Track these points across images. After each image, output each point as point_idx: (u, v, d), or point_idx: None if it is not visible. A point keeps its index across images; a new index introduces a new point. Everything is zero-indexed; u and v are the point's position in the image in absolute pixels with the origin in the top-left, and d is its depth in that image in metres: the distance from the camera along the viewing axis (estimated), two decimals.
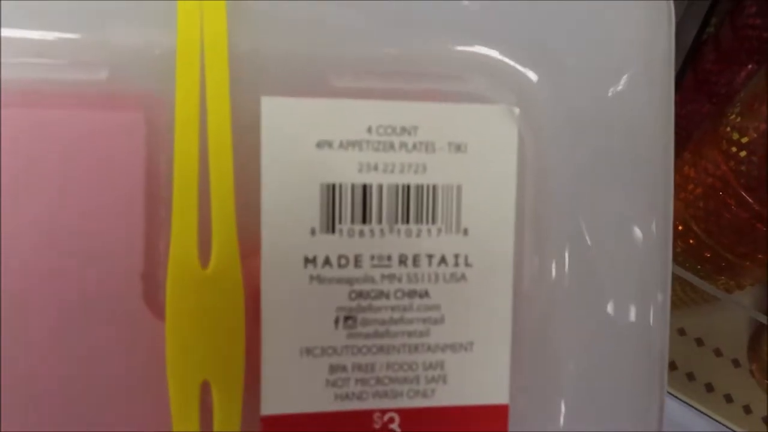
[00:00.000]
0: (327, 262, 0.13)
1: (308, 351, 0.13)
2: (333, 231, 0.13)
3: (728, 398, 0.54)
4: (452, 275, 0.14)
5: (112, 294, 0.13)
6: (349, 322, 0.13)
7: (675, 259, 0.48)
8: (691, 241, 0.49)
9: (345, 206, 0.13)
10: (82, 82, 0.13)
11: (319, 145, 0.13)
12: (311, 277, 0.13)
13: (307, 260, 0.13)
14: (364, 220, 0.13)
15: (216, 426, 0.13)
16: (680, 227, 0.50)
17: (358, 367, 0.13)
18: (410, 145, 0.13)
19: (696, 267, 0.46)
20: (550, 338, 0.14)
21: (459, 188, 0.13)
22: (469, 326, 0.14)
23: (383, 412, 0.14)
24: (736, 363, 0.57)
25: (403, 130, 0.13)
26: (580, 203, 0.14)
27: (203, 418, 0.13)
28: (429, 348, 0.14)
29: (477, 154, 0.13)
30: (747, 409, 0.54)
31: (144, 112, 0.13)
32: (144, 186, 0.13)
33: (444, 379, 0.14)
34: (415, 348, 0.14)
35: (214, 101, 0.12)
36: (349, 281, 0.13)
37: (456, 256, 0.14)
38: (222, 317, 0.13)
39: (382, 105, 0.13)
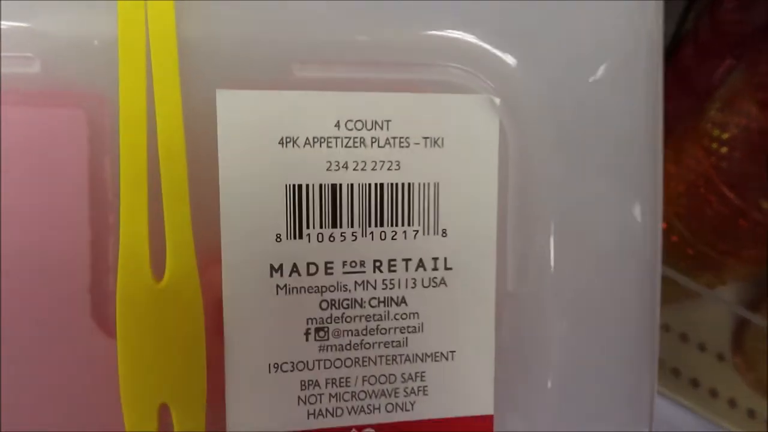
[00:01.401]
0: (295, 270, 0.12)
1: (277, 366, 0.12)
2: (301, 236, 0.12)
3: (713, 393, 0.55)
4: (431, 280, 0.13)
5: (57, 310, 0.12)
6: (321, 333, 0.12)
7: None
8: (674, 238, 0.49)
9: (313, 209, 0.12)
10: (12, 75, 0.11)
11: (283, 142, 0.12)
12: (278, 287, 0.12)
13: (273, 269, 0.12)
14: (334, 224, 0.12)
15: None
16: (664, 225, 0.50)
17: (331, 381, 0.13)
18: (383, 141, 0.12)
19: (679, 264, 0.46)
20: (536, 337, 0.13)
21: (436, 186, 0.13)
22: (450, 334, 0.13)
23: (360, 428, 0.13)
24: (720, 357, 0.57)
25: (375, 124, 0.12)
26: (565, 194, 0.13)
27: None
28: (408, 358, 0.13)
29: (455, 149, 0.12)
30: (732, 403, 0.55)
31: (84, 108, 0.12)
32: (88, 190, 0.12)
33: (424, 390, 0.13)
34: (393, 359, 0.13)
35: (163, 96, 0.11)
36: (320, 290, 0.12)
37: (435, 260, 0.13)
38: (179, 333, 0.12)
39: (351, 97, 0.12)
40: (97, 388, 0.12)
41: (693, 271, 0.47)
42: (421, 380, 0.13)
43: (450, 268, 0.13)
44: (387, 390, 0.13)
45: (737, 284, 0.62)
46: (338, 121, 0.12)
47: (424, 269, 0.13)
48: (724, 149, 0.43)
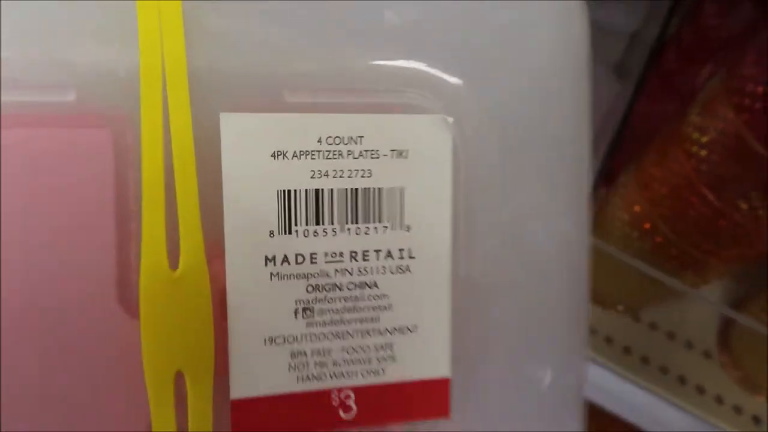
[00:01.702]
0: (285, 260, 0.15)
1: (271, 340, 0.15)
2: (290, 232, 0.15)
3: (700, 389, 0.54)
4: (398, 267, 0.15)
5: (90, 300, 0.14)
6: (307, 312, 0.15)
7: (643, 257, 0.48)
8: (658, 239, 0.48)
9: (300, 210, 0.15)
10: (53, 103, 0.14)
11: (275, 155, 0.14)
12: (272, 274, 0.15)
13: (267, 259, 0.14)
14: (317, 222, 0.15)
15: (190, 411, 0.14)
16: (647, 225, 0.51)
17: (316, 352, 0.15)
18: (357, 153, 0.15)
19: (664, 264, 0.47)
20: (484, 316, 0.16)
21: (402, 190, 0.15)
22: (414, 311, 0.15)
23: (340, 390, 0.15)
24: (706, 355, 0.58)
25: (351, 139, 0.15)
26: (506, 196, 0.15)
27: (178, 406, 0.14)
28: (379, 332, 0.15)
29: (417, 159, 0.15)
30: (719, 400, 0.55)
31: (111, 130, 0.14)
32: (114, 199, 0.14)
33: (393, 358, 0.15)
34: (367, 332, 0.15)
35: (177, 118, 0.14)
36: (306, 277, 0.15)
37: (401, 251, 0.15)
38: (192, 314, 0.14)
39: (331, 118, 0.15)
40: (123, 360, 0.14)
41: (677, 271, 0.48)
42: (390, 350, 0.15)
43: (413, 257, 0.15)
44: (362, 358, 0.15)
45: (724, 284, 0.62)
46: (320, 138, 0.15)
47: (392, 258, 0.15)
48: (703, 152, 0.43)
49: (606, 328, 0.57)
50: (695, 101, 0.44)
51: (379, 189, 0.15)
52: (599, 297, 0.58)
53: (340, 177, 0.15)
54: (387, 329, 0.15)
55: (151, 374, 0.14)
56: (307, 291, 0.15)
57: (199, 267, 0.14)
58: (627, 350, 0.54)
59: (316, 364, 0.15)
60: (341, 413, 0.15)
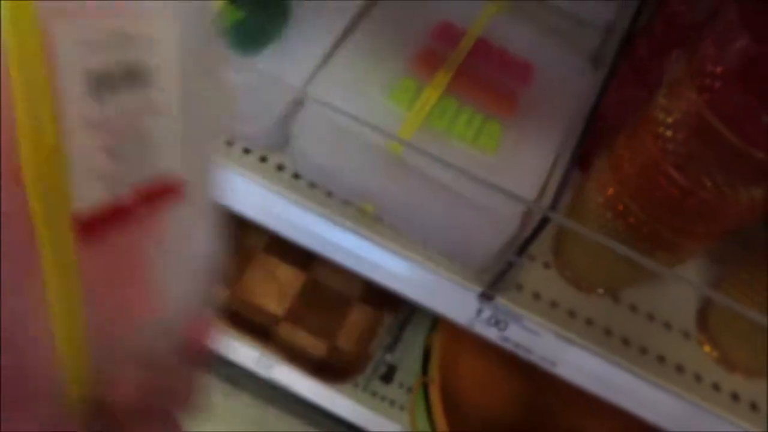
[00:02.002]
0: (94, 115, 0.20)
1: (91, 172, 0.21)
2: (98, 99, 0.21)
3: (679, 368, 0.55)
4: (157, 110, 0.22)
5: None
6: (110, 151, 0.21)
7: (618, 238, 0.47)
8: (630, 219, 0.49)
9: (102, 82, 0.20)
10: None
11: (82, 46, 0.19)
12: (87, 128, 0.20)
13: (86, 120, 0.20)
14: (111, 89, 0.21)
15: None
16: (620, 207, 0.50)
17: (116, 176, 0.21)
18: (129, 40, 0.21)
19: (637, 245, 0.47)
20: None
21: (158, 64, 0.21)
22: (166, 134, 0.22)
23: (129, 195, 0.22)
24: (685, 335, 0.57)
25: (123, 32, 0.20)
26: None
27: None
28: (148, 152, 0.22)
29: (164, 41, 0.21)
30: (697, 378, 0.54)
31: None
32: None
33: (156, 166, 0.22)
34: (143, 154, 0.22)
35: (23, 30, 0.18)
36: (108, 127, 0.21)
37: (158, 101, 0.22)
38: (53, 169, 0.19)
39: (111, 16, 0.20)
40: (17, 215, 0.18)
41: (651, 250, 0.48)
42: (153, 160, 0.22)
43: (164, 104, 0.22)
44: (141, 173, 0.21)
45: (701, 265, 0.63)
46: (110, 35, 0.20)
47: (155, 106, 0.21)
48: (669, 132, 0.44)
49: (587, 311, 0.57)
50: (662, 85, 0.45)
51: (147, 65, 0.21)
52: (580, 280, 0.60)
53: (121, 58, 0.21)
54: (152, 149, 0.22)
55: (41, 222, 0.19)
56: (109, 136, 0.21)
57: (58, 136, 0.20)
58: (608, 332, 0.56)
59: (115, 183, 0.21)
60: (131, 208, 0.21)
